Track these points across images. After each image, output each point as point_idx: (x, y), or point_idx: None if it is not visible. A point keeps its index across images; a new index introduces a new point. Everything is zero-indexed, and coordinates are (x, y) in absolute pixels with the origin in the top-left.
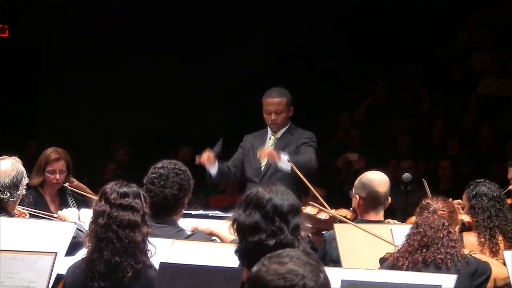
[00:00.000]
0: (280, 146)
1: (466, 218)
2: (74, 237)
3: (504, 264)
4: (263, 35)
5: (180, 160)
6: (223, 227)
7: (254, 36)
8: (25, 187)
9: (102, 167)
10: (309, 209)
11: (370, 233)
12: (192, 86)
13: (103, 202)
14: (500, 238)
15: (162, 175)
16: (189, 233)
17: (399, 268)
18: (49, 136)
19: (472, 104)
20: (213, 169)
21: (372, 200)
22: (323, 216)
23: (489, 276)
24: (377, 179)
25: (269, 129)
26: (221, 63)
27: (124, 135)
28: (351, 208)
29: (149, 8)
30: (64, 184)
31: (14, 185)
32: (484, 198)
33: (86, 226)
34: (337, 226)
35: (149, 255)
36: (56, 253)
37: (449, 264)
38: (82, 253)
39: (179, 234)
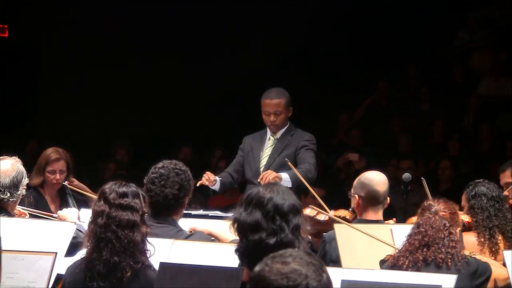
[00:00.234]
0: (280, 147)
1: (465, 218)
2: (74, 238)
3: (504, 264)
4: (263, 35)
5: (180, 160)
6: (221, 227)
7: (254, 36)
8: (25, 187)
9: (102, 167)
10: (308, 211)
11: (368, 235)
12: (192, 86)
13: (102, 202)
14: (500, 237)
15: (162, 175)
16: (189, 233)
17: (400, 267)
18: (49, 136)
19: (472, 104)
20: (216, 187)
21: (371, 199)
22: (322, 217)
23: (489, 277)
24: (376, 179)
25: (268, 129)
26: (221, 63)
27: (124, 135)
28: (350, 209)
29: (149, 8)
30: (63, 183)
31: (14, 185)
32: (483, 198)
33: (86, 226)
34: (337, 226)
35: (148, 255)
36: (56, 253)
37: (450, 263)
38: (81, 253)
39: (179, 234)
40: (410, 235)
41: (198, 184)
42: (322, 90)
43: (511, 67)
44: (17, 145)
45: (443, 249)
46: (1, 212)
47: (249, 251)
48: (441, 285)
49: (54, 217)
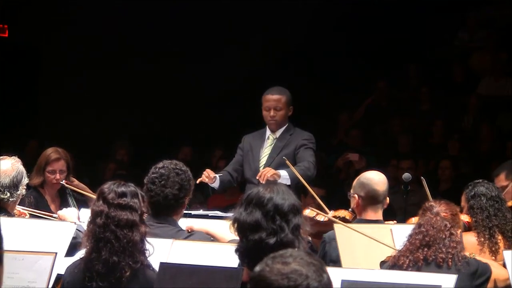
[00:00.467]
0: (279, 146)
1: (465, 218)
2: (73, 238)
3: (504, 264)
4: (263, 35)
5: (180, 160)
6: (219, 227)
7: (254, 36)
8: (25, 187)
9: (102, 167)
10: (308, 212)
11: (368, 236)
12: (192, 86)
13: (101, 202)
14: (500, 237)
15: (163, 175)
16: (186, 232)
17: (400, 266)
18: (49, 136)
19: (472, 104)
20: (215, 184)
21: (371, 199)
22: (321, 218)
23: (489, 277)
24: (375, 178)
25: (267, 129)
26: (221, 63)
27: (124, 135)
28: (350, 209)
29: (149, 8)
30: (61, 182)
31: (14, 185)
32: (482, 198)
33: (85, 226)
34: (337, 226)
35: (147, 255)
36: (56, 253)
37: (450, 263)
38: (80, 253)
39: (179, 234)
40: (411, 235)
41: (198, 181)
42: (322, 90)
43: (511, 67)
44: (17, 145)
45: (443, 249)
46: (1, 212)
47: (249, 251)
48: (441, 285)
49: (54, 217)
